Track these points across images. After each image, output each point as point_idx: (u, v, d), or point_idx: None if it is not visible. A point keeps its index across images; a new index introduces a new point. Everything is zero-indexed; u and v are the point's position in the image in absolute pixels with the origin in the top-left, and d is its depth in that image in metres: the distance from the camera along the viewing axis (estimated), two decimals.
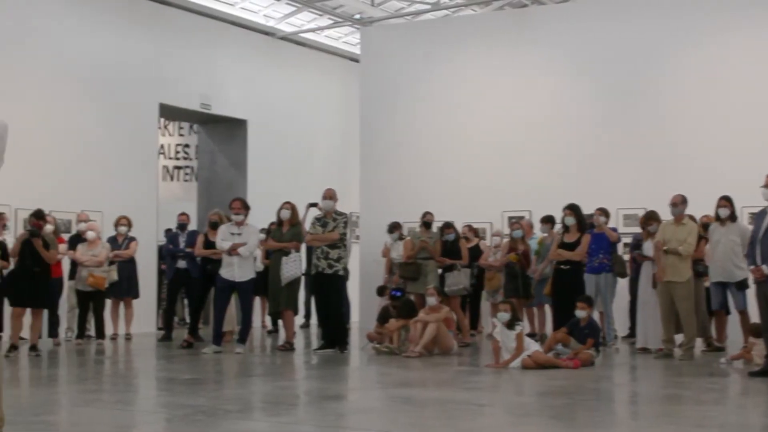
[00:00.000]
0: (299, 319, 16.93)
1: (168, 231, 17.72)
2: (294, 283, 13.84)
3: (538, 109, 17.95)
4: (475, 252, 15.92)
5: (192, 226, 16.96)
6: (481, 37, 18.86)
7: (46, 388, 9.97)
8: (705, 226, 13.37)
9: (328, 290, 13.57)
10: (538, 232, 15.78)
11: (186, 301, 17.06)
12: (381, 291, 16.37)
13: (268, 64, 20.99)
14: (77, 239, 15.10)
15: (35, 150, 15.58)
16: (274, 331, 17.33)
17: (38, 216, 13.00)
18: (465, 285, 14.80)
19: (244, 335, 13.59)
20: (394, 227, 17.08)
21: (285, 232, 13.88)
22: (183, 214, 16.39)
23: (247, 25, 20.58)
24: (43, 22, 16.47)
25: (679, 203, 12.80)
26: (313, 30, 21.85)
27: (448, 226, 15.24)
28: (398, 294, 14.28)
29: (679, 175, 15.99)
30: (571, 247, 13.41)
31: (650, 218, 13.42)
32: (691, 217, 13.04)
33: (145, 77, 18.06)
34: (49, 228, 14.32)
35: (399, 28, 20.60)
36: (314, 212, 15.10)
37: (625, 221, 16.60)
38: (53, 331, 14.64)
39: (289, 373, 11.57)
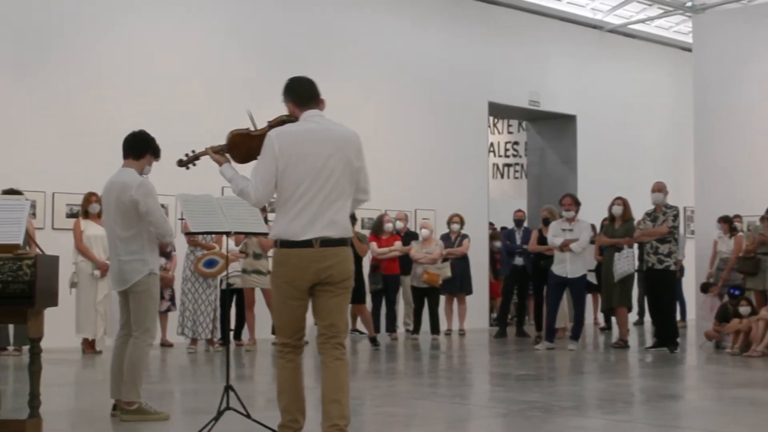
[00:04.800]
0: (633, 316, 16.62)
1: (503, 229, 18.00)
2: (627, 280, 13.61)
3: None
4: None
5: (524, 223, 17.04)
6: None
7: (385, 381, 10.33)
8: None
9: (659, 286, 13.19)
10: None
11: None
12: (705, 288, 15.75)
13: (597, 58, 20.77)
14: (410, 237, 15.54)
15: (371, 151, 16.17)
16: (607, 328, 17.11)
17: None
18: None
19: (576, 332, 13.55)
20: (720, 221, 16.36)
21: (617, 228, 13.69)
22: (519, 210, 16.69)
23: (574, 19, 20.44)
24: (375, 25, 17.12)
25: None
26: (642, 21, 21.39)
27: None
28: (736, 293, 13.67)
29: None
30: None
31: None
32: None
33: (474, 76, 18.37)
34: (389, 226, 14.97)
35: (734, 13, 19.70)
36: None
37: None
38: (391, 326, 15.18)
39: (623, 370, 11.39)
